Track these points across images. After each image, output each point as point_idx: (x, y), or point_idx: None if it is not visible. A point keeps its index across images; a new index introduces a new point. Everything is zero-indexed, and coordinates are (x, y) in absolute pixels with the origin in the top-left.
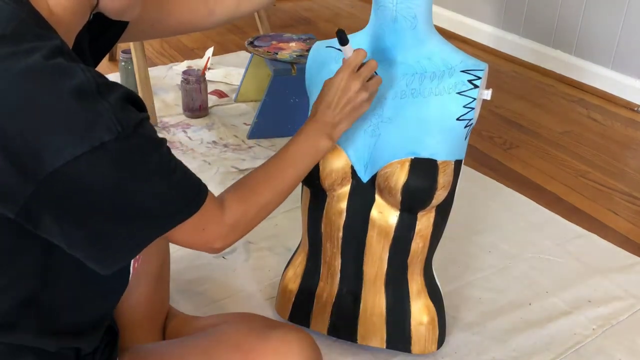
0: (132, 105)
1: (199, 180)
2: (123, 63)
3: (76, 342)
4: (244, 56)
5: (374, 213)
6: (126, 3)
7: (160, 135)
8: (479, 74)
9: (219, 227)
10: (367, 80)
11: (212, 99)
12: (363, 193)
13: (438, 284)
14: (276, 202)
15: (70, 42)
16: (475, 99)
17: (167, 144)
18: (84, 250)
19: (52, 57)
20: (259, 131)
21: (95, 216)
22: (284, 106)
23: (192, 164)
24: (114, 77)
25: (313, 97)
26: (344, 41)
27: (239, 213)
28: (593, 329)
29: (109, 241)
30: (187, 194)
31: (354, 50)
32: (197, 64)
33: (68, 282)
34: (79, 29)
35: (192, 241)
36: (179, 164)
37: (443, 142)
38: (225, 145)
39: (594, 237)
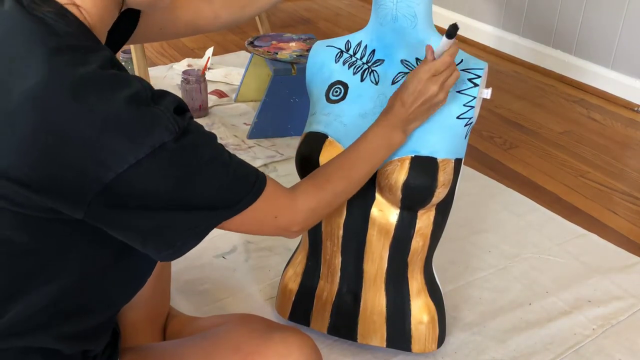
0: (181, 108)
1: (256, 170)
2: (123, 63)
3: (92, 344)
4: (244, 56)
5: (374, 211)
6: None
7: None
8: (479, 72)
9: (293, 214)
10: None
11: (212, 99)
12: (363, 191)
13: (438, 283)
14: (350, 191)
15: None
16: (475, 97)
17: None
18: (154, 241)
19: (107, 67)
20: (259, 131)
21: (161, 210)
22: (284, 106)
23: None
24: None
25: (313, 96)
26: (452, 35)
27: (314, 199)
28: (593, 329)
29: (177, 231)
30: (246, 182)
31: (442, 57)
32: (197, 63)
33: (99, 283)
34: (107, 30)
35: (268, 229)
36: (234, 156)
37: (443, 140)
38: (225, 145)
39: (594, 237)
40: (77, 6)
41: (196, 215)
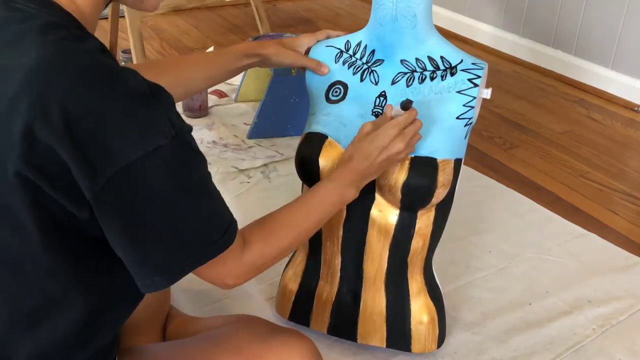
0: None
1: (231, 214)
2: (123, 63)
3: (108, 354)
4: None
5: (374, 212)
6: None
7: None
8: (479, 72)
9: (237, 266)
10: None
11: (212, 99)
12: (363, 191)
13: (438, 283)
14: (294, 246)
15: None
16: (475, 97)
17: None
18: (131, 267)
19: (100, 59)
20: (259, 131)
21: (141, 227)
22: (284, 106)
23: None
24: None
25: (313, 96)
26: (407, 108)
27: (258, 254)
28: (593, 329)
29: (153, 260)
30: (223, 224)
31: (409, 111)
32: None
33: (121, 300)
34: (97, 22)
35: (210, 274)
36: (218, 192)
37: (443, 141)
38: (225, 145)
39: (594, 237)
40: None
41: (174, 246)
